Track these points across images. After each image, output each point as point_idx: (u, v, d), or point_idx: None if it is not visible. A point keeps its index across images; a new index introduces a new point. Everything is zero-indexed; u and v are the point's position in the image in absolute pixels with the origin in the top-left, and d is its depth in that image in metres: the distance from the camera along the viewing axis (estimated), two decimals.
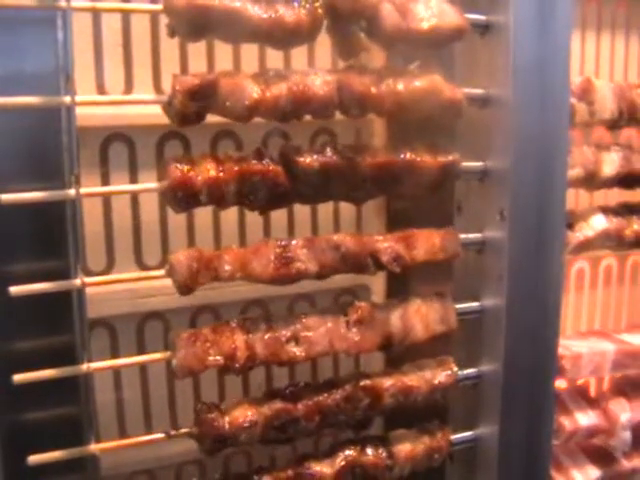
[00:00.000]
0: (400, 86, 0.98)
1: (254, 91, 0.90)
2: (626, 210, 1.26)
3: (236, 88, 0.90)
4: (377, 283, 1.29)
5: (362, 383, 1.04)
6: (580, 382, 1.42)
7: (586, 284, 1.56)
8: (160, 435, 0.95)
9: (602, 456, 1.38)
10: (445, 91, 1.00)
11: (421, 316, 1.05)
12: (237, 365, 0.93)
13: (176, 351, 0.91)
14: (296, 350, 0.97)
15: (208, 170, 0.90)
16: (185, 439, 0.98)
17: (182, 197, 0.89)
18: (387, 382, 1.05)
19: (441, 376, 1.09)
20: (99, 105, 1.03)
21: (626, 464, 1.39)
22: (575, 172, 1.14)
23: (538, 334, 1.09)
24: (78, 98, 0.84)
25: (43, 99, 0.83)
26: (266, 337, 0.96)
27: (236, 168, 0.91)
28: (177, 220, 1.16)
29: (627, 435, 1.32)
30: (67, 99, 0.83)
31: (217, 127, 1.15)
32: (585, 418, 1.30)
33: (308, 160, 0.94)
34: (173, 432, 0.96)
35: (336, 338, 1.00)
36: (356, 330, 1.01)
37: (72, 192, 0.85)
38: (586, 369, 1.31)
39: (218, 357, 0.93)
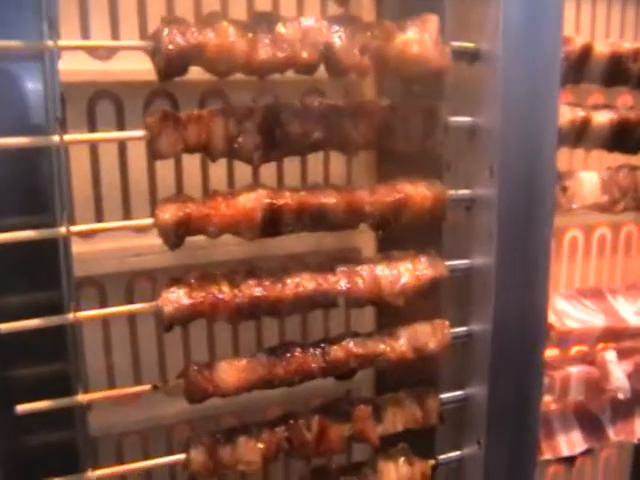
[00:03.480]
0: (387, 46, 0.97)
1: (242, 51, 0.90)
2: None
3: (224, 49, 0.89)
4: (367, 245, 1.28)
5: (354, 350, 1.03)
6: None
7: (579, 253, 1.55)
8: (147, 387, 0.94)
9: (592, 427, 1.37)
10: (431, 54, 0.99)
11: (410, 265, 1.05)
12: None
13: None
14: (284, 289, 0.96)
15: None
16: (176, 400, 0.98)
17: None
18: (378, 348, 1.05)
19: (434, 341, 1.09)
20: (83, 49, 1.03)
21: (613, 437, 1.38)
22: (566, 125, 1.12)
23: (528, 292, 1.09)
24: (61, 42, 0.83)
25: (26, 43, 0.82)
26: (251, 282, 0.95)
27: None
28: (166, 178, 1.15)
29: (623, 378, 1.31)
30: (50, 43, 0.82)
31: (205, 86, 1.14)
32: (576, 369, 1.29)
33: (295, 105, 0.94)
34: (160, 384, 0.95)
35: (325, 283, 0.99)
36: (345, 279, 1.00)
37: (56, 138, 0.84)
38: (574, 341, 1.31)
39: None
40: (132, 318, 1.18)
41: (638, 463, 1.77)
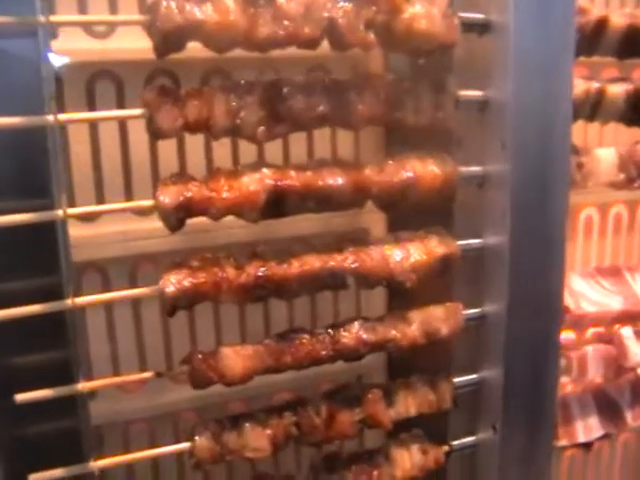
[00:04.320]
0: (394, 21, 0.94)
1: (242, 28, 0.86)
2: None
3: (223, 26, 0.85)
4: (376, 225, 1.25)
5: (364, 337, 1.00)
6: None
7: (595, 232, 1.51)
8: (150, 374, 0.92)
9: (611, 412, 1.34)
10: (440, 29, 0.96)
11: (420, 243, 1.02)
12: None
13: None
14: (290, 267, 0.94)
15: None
16: (182, 387, 0.96)
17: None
18: (389, 334, 1.02)
19: (447, 326, 1.06)
20: (77, 24, 1.01)
21: (631, 422, 1.35)
22: (580, 97, 1.08)
23: (543, 272, 1.05)
24: (54, 18, 0.80)
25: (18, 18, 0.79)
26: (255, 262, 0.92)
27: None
28: (169, 160, 1.12)
29: None
30: (42, 18, 0.79)
31: (207, 64, 1.11)
32: (593, 347, 1.26)
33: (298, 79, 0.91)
34: (164, 371, 0.92)
35: (332, 261, 0.96)
36: (352, 257, 0.97)
37: (50, 118, 0.81)
38: (590, 323, 1.28)
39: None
40: (136, 303, 1.16)
41: None
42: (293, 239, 1.17)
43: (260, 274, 0.92)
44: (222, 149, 1.14)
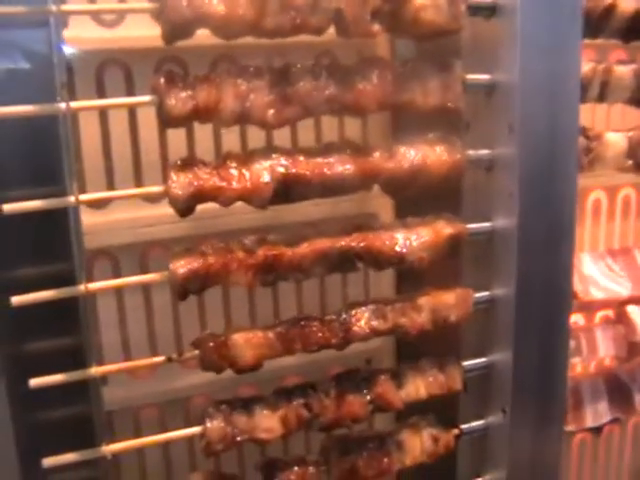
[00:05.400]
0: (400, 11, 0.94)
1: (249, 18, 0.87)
2: None
3: (229, 16, 0.86)
4: (385, 210, 1.25)
5: (373, 324, 1.02)
6: None
7: (603, 215, 1.51)
8: (160, 358, 0.92)
9: (621, 396, 1.34)
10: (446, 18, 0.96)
11: (428, 226, 1.02)
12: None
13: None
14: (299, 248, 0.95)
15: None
16: (193, 372, 0.97)
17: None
18: (399, 321, 1.03)
19: (456, 313, 1.06)
20: (87, 13, 1.02)
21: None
22: (587, 77, 1.08)
23: (551, 255, 1.05)
24: (65, 7, 0.80)
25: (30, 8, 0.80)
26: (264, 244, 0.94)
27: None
28: (178, 148, 1.12)
29: None
30: (54, 8, 0.80)
31: (215, 51, 1.11)
32: (601, 326, 1.26)
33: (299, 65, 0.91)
34: (174, 356, 0.93)
35: (341, 241, 0.97)
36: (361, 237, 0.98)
37: (62, 105, 0.82)
38: (598, 307, 1.28)
39: None
40: (147, 289, 1.17)
41: None
42: (303, 224, 1.18)
43: (269, 254, 0.93)
44: (231, 136, 1.15)
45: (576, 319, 1.34)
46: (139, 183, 1.11)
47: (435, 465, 1.13)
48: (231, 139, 1.15)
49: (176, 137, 1.12)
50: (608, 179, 1.45)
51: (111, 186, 1.10)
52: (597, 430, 1.63)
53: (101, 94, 1.07)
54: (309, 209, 1.13)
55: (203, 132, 1.13)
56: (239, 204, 0.93)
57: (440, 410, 1.14)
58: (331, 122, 1.21)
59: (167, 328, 1.20)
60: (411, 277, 1.15)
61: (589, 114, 1.40)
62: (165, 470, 1.26)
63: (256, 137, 1.09)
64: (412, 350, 1.17)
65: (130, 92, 1.09)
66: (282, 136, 1.15)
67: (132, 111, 1.09)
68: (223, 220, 1.12)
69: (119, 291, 1.15)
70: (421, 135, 1.03)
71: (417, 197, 1.06)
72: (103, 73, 1.07)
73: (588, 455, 1.69)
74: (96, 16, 1.04)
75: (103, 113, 1.08)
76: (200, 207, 0.92)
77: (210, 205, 0.92)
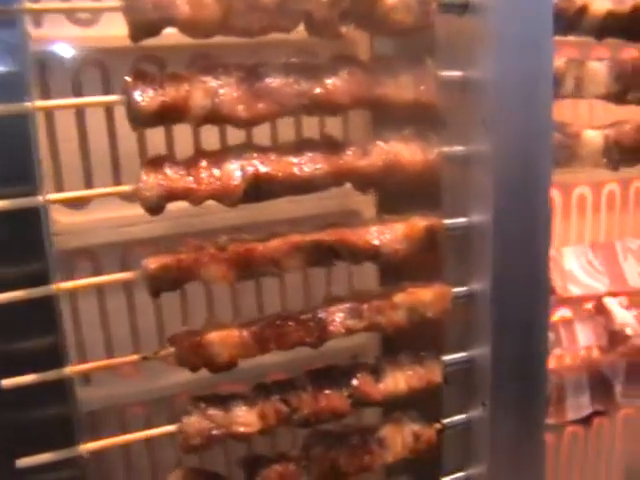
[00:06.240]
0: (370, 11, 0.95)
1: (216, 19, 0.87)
2: None
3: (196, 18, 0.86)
4: (367, 208, 1.26)
5: (349, 323, 1.02)
6: None
7: (588, 210, 1.51)
8: (135, 357, 0.93)
9: (602, 390, 1.34)
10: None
11: (404, 221, 1.03)
12: None
13: None
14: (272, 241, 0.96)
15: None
16: (178, 370, 0.97)
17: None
18: (375, 319, 1.04)
19: (433, 310, 1.07)
20: (54, 11, 1.02)
21: (619, 399, 1.35)
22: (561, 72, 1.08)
23: (527, 250, 1.06)
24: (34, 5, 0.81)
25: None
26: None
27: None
28: (157, 148, 1.13)
29: (628, 315, 1.27)
30: (22, 6, 0.80)
31: (193, 49, 1.12)
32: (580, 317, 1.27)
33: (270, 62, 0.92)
34: (150, 354, 0.93)
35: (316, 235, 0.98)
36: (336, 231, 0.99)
37: (29, 105, 0.82)
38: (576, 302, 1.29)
39: None
40: (128, 288, 1.17)
41: None
42: (282, 222, 1.18)
43: (241, 248, 0.93)
44: (210, 135, 1.15)
45: (562, 313, 1.34)
46: (118, 183, 1.11)
47: (421, 458, 1.13)
48: (210, 138, 1.15)
49: (155, 135, 1.12)
50: (592, 175, 1.45)
51: (89, 186, 1.10)
52: (586, 421, 1.63)
53: (78, 94, 1.07)
54: (289, 206, 1.14)
55: (182, 131, 1.12)
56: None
57: (425, 405, 1.15)
58: (311, 120, 1.21)
59: (150, 327, 1.20)
60: (394, 274, 1.15)
61: (571, 111, 1.40)
62: (151, 470, 1.26)
63: (236, 137, 1.08)
64: (397, 345, 1.17)
65: (107, 91, 1.09)
66: (262, 135, 1.15)
67: (109, 110, 1.09)
68: (204, 219, 1.13)
69: (101, 291, 1.15)
70: (400, 132, 1.03)
71: (398, 194, 1.07)
72: (80, 73, 1.07)
73: (579, 448, 1.70)
74: (71, 15, 1.04)
75: (80, 113, 1.08)
76: (181, 206, 0.92)
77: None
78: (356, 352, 1.32)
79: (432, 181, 1.07)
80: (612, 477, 1.77)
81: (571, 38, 1.15)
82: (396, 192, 1.08)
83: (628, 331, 1.24)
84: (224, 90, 0.89)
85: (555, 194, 1.46)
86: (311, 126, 1.22)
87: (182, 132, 1.13)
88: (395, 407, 1.13)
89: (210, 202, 0.93)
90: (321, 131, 1.23)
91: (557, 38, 1.08)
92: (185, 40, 0.91)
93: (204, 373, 0.98)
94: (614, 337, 1.25)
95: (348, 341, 1.07)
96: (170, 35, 0.88)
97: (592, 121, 1.41)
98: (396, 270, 1.12)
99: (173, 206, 0.93)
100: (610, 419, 1.70)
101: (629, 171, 1.39)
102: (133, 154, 1.12)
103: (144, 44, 0.88)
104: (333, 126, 1.23)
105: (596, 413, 1.56)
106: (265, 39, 0.94)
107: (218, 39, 0.92)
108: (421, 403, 1.14)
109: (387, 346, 1.33)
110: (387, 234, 1.00)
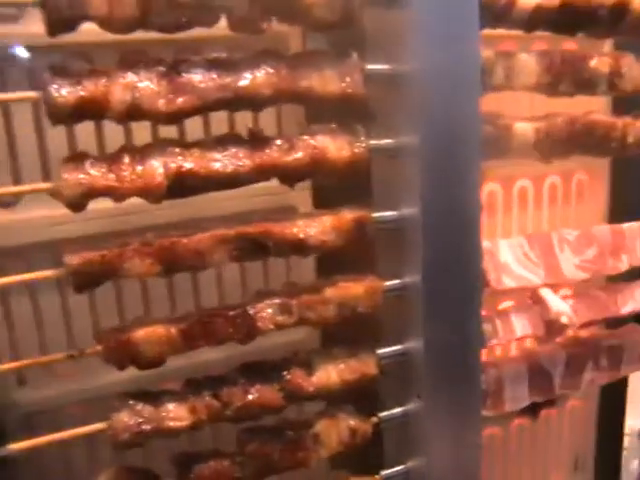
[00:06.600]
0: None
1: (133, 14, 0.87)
2: None
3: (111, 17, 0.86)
4: (303, 203, 1.26)
5: (278, 320, 1.03)
6: None
7: (530, 203, 1.53)
8: (61, 355, 0.92)
9: (542, 382, 1.35)
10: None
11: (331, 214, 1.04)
12: None
13: None
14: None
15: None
16: (114, 370, 0.96)
17: None
18: (304, 315, 1.04)
19: (364, 305, 1.07)
20: None
21: (558, 390, 1.36)
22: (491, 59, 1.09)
23: (458, 242, 1.06)
24: None
25: None
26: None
27: None
28: (87, 146, 1.12)
29: (563, 303, 1.28)
30: None
31: (124, 46, 1.10)
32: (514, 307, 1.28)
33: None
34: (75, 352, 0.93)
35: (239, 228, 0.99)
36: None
37: None
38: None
39: None
40: (62, 287, 1.16)
41: (603, 412, 1.76)
42: (218, 219, 1.17)
43: (165, 242, 0.94)
44: (141, 132, 1.14)
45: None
46: (48, 181, 1.10)
47: (364, 451, 1.14)
48: (142, 136, 1.14)
49: (83, 131, 1.11)
50: (534, 168, 1.45)
51: (18, 184, 1.09)
52: (533, 413, 1.65)
53: (3, 91, 1.06)
54: (226, 203, 1.14)
55: (112, 129, 1.11)
56: None
57: (363, 399, 1.15)
58: (245, 114, 1.20)
59: (86, 326, 1.19)
60: (331, 268, 1.15)
61: (510, 103, 1.40)
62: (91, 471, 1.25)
63: (168, 134, 1.08)
64: (336, 339, 1.17)
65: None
66: (195, 133, 1.15)
67: (37, 108, 1.08)
68: (138, 216, 1.12)
69: (33, 290, 1.14)
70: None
71: (334, 189, 1.07)
72: (4, 69, 1.06)
73: (527, 440, 1.71)
74: None
75: (6, 111, 1.07)
76: (114, 203, 0.92)
77: (127, 202, 0.93)
78: (297, 347, 1.31)
79: (363, 175, 1.07)
80: (561, 468, 1.79)
81: (512, 32, 1.16)
82: (331, 187, 1.08)
83: (564, 320, 1.24)
84: (144, 84, 0.89)
85: (496, 187, 1.47)
86: (245, 120, 1.21)
87: (113, 130, 1.11)
88: (334, 402, 1.13)
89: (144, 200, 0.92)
90: (255, 125, 1.22)
91: (498, 32, 1.11)
92: (115, 36, 0.90)
93: (144, 372, 0.98)
94: (550, 326, 1.26)
95: (287, 336, 1.07)
96: (100, 32, 0.88)
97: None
98: (333, 264, 1.13)
99: (106, 204, 0.93)
100: (557, 410, 1.71)
101: (571, 164, 1.42)
102: (64, 153, 1.11)
103: (72, 40, 0.89)
104: (268, 120, 1.23)
105: (543, 405, 1.59)
106: (197, 34, 0.94)
107: (148, 35, 0.91)
108: (360, 397, 1.14)
109: (327, 340, 1.33)
110: (314, 226, 1.00)
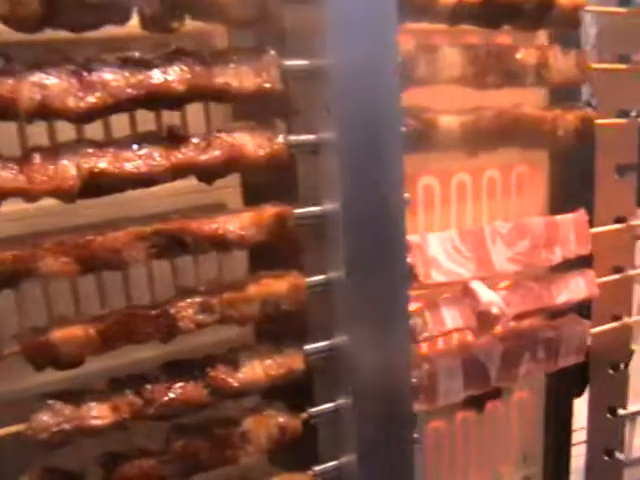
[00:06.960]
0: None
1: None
2: None
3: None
4: (233, 200, 1.25)
5: (200, 318, 1.03)
6: None
7: (469, 197, 1.53)
8: None
9: (477, 375, 1.35)
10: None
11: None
12: None
13: None
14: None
15: None
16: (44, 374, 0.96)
17: None
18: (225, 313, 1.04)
19: (287, 302, 1.08)
20: None
21: (494, 382, 1.37)
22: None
23: (382, 236, 1.06)
24: None
25: None
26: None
27: None
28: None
29: (492, 294, 1.29)
30: None
31: (45, 46, 1.09)
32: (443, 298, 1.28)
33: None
34: None
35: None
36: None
37: None
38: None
39: None
40: None
41: (550, 404, 1.77)
42: (144, 218, 1.17)
43: (79, 240, 0.93)
44: (68, 133, 1.13)
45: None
46: None
47: (300, 447, 1.14)
48: (66, 135, 1.13)
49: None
50: (472, 161, 1.45)
51: None
52: (479, 406, 1.66)
53: None
54: (152, 202, 1.13)
55: (36, 129, 1.10)
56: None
57: (296, 396, 1.15)
58: (172, 115, 1.20)
59: (12, 324, 1.18)
60: (263, 265, 1.14)
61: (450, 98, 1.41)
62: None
63: (92, 132, 1.07)
64: (269, 336, 1.17)
65: None
66: (121, 126, 1.14)
67: None
68: (61, 217, 1.10)
69: None
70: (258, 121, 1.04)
71: (263, 185, 1.07)
72: None
73: (474, 434, 1.72)
74: None
75: None
76: (44, 203, 0.93)
77: (48, 202, 0.93)
78: (230, 345, 1.31)
79: (288, 171, 1.07)
80: (510, 461, 1.80)
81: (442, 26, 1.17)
82: (260, 184, 1.08)
83: (494, 310, 1.25)
84: (53, 83, 0.88)
85: (433, 181, 1.47)
86: (173, 118, 1.20)
87: (36, 129, 1.10)
88: (266, 399, 1.13)
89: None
90: (183, 122, 1.21)
91: (435, 27, 1.12)
92: (33, 36, 0.90)
93: (73, 372, 0.97)
94: (483, 318, 1.26)
95: (220, 334, 1.07)
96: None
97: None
98: (264, 261, 1.13)
99: (25, 205, 0.92)
100: (504, 403, 1.72)
101: (511, 157, 1.43)
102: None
103: None
104: (196, 117, 1.22)
105: (487, 397, 1.60)
106: (119, 33, 0.93)
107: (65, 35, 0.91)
108: (293, 394, 1.14)
109: (260, 338, 1.33)
110: (233, 222, 1.00)
